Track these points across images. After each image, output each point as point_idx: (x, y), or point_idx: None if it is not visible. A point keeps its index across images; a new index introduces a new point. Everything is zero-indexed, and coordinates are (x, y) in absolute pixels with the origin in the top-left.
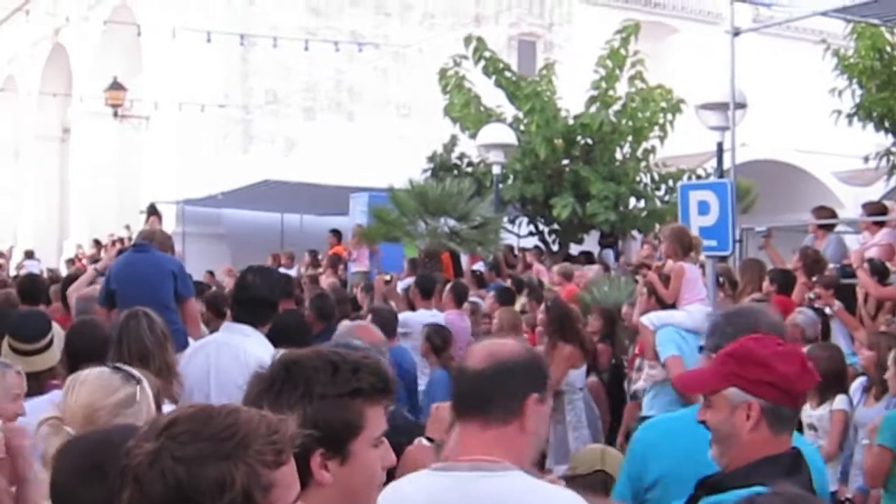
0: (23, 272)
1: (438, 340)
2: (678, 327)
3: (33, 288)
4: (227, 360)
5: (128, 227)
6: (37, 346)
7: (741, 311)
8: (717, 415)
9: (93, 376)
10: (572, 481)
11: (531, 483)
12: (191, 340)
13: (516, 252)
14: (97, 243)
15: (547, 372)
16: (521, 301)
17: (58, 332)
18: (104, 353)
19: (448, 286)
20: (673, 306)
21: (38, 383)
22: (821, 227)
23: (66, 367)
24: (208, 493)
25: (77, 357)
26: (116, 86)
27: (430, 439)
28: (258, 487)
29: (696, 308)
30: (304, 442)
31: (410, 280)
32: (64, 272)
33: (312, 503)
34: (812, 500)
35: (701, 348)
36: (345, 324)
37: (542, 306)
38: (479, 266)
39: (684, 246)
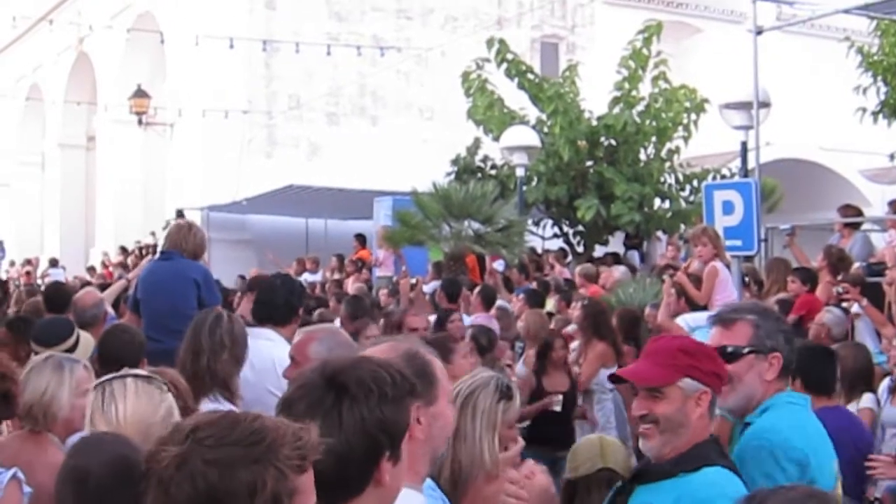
0: (47, 280)
1: (484, 341)
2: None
3: (59, 296)
4: (255, 365)
5: (153, 234)
6: (58, 349)
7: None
8: (671, 405)
9: (132, 389)
10: (574, 484)
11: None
12: None
13: (539, 253)
14: (124, 250)
15: (431, 370)
16: (550, 302)
17: (88, 339)
18: (136, 361)
19: (476, 290)
20: (704, 308)
21: None
22: (847, 225)
23: (98, 372)
24: (239, 497)
25: (109, 361)
26: (141, 93)
27: None
28: (285, 492)
29: None
30: (377, 443)
31: (436, 283)
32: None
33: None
34: (823, 496)
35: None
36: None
37: (578, 304)
38: (499, 264)
39: (720, 247)
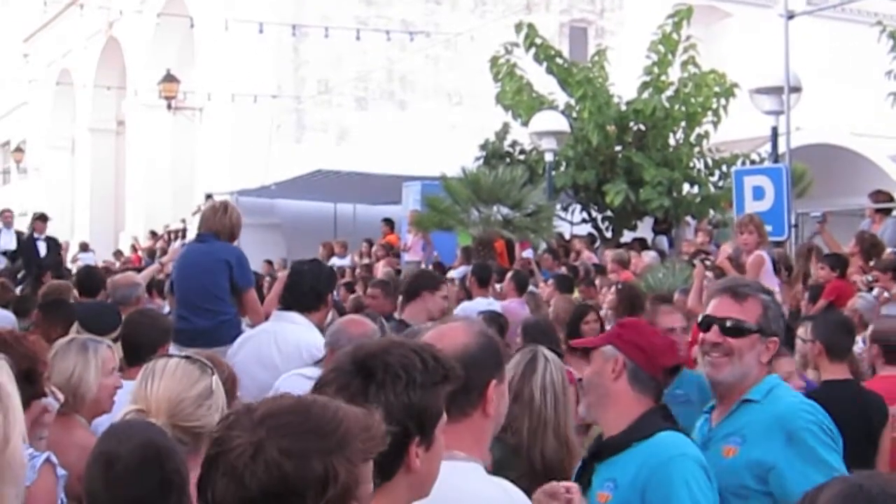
0: (78, 265)
1: (495, 326)
2: None
3: (91, 280)
4: (281, 348)
5: (183, 221)
6: (106, 338)
7: None
8: (591, 369)
9: (171, 367)
10: None
11: (474, 477)
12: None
13: (567, 238)
14: (153, 234)
15: (502, 350)
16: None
17: None
18: (158, 347)
19: (509, 274)
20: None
21: None
22: (878, 210)
23: (126, 356)
24: (312, 488)
25: (136, 346)
26: (170, 78)
27: None
28: (353, 483)
29: None
30: (406, 430)
31: (465, 268)
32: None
33: (400, 489)
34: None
35: None
36: (339, 320)
37: (611, 289)
38: (528, 252)
39: (764, 236)
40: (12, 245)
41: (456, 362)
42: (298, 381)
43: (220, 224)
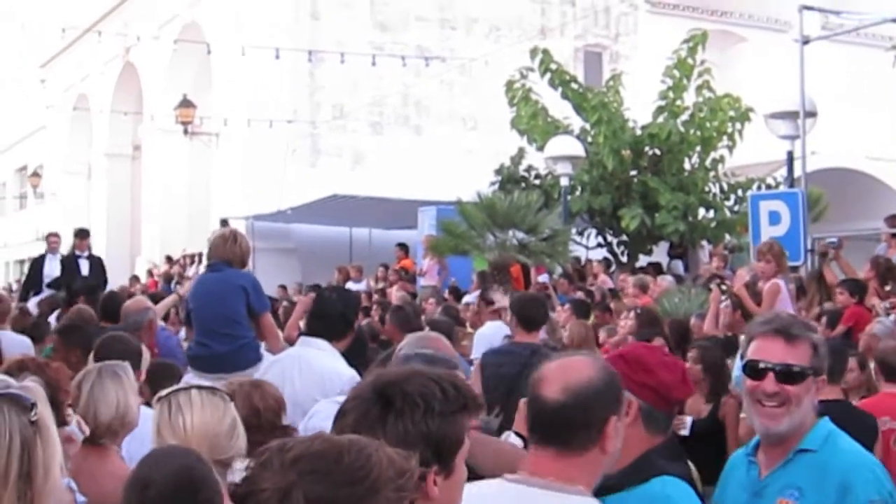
0: None
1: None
2: None
3: (113, 305)
4: (304, 373)
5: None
6: None
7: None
8: None
9: (197, 401)
10: None
11: None
12: (269, 355)
13: (583, 263)
14: (169, 260)
15: (621, 386)
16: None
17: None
18: (137, 366)
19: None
20: None
21: None
22: (894, 235)
23: None
24: None
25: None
26: (186, 103)
27: (518, 434)
28: None
29: None
30: (422, 457)
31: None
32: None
33: None
34: None
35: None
36: (415, 335)
37: (631, 314)
38: (543, 277)
39: (783, 265)
40: (57, 272)
41: (578, 396)
42: (333, 409)
43: (230, 253)
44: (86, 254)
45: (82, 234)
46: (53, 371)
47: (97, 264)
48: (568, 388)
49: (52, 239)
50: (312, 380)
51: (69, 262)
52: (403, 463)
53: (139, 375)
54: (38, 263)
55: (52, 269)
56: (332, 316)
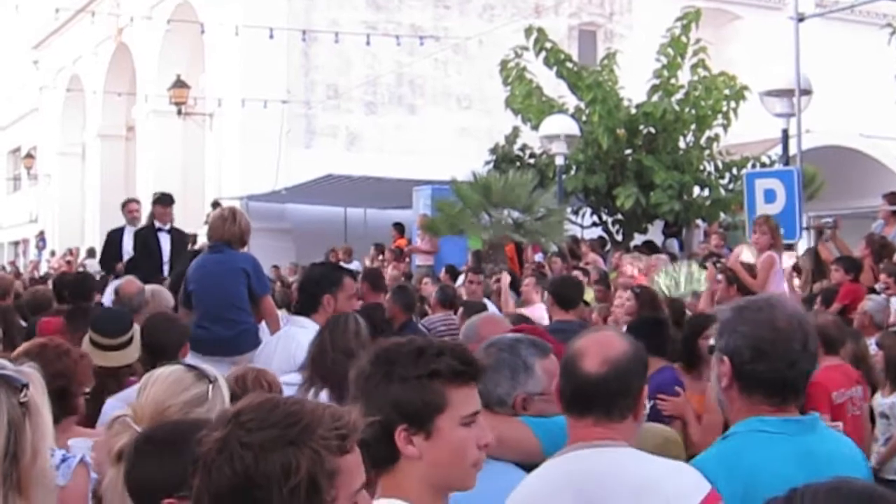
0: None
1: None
2: None
3: (85, 285)
4: (279, 352)
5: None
6: (116, 341)
7: (755, 304)
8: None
9: (165, 374)
10: None
11: (643, 456)
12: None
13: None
14: None
15: (646, 358)
16: (589, 292)
17: (136, 328)
18: (179, 347)
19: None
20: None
21: (116, 380)
22: (893, 213)
23: (145, 363)
24: (274, 479)
25: (158, 349)
26: (180, 84)
27: None
28: (323, 473)
29: None
30: (388, 419)
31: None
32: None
33: (406, 473)
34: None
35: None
36: (475, 318)
37: (629, 293)
38: (539, 256)
39: (777, 238)
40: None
41: (618, 368)
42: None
43: (230, 232)
44: (167, 226)
45: (164, 201)
46: (73, 361)
47: (180, 240)
48: (608, 361)
49: (131, 206)
50: (284, 357)
51: (146, 236)
52: (340, 411)
53: (184, 350)
54: (116, 236)
55: (130, 245)
56: (307, 291)
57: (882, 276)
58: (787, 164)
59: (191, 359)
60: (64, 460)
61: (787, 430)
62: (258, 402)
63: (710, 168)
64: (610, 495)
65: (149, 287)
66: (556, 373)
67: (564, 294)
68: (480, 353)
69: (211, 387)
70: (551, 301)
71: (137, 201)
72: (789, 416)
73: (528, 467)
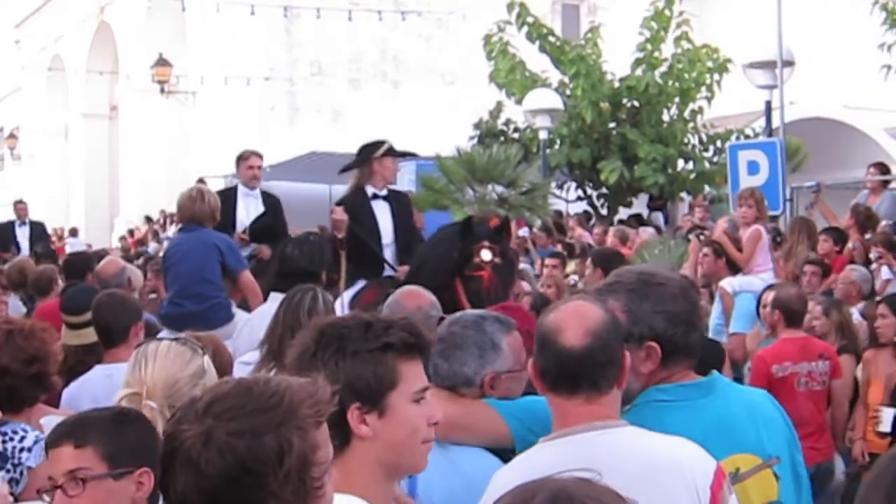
0: (67, 250)
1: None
2: (755, 296)
3: (79, 264)
4: (256, 330)
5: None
6: (82, 318)
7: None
8: None
9: (163, 349)
10: None
11: (646, 434)
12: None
13: (562, 216)
14: (148, 220)
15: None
16: (570, 265)
17: None
18: (128, 328)
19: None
20: (738, 270)
21: (96, 357)
22: (883, 183)
23: (101, 339)
24: (269, 462)
25: (109, 329)
26: (162, 62)
27: None
28: (309, 449)
29: (769, 277)
30: (340, 398)
31: None
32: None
33: (358, 456)
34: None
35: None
36: (396, 292)
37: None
38: (524, 231)
39: (763, 211)
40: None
41: (600, 337)
42: (241, 369)
43: (200, 212)
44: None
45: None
46: (40, 342)
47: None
48: (589, 331)
49: (252, 161)
50: (257, 335)
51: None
52: (311, 385)
53: (136, 329)
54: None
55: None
56: (296, 274)
57: (876, 248)
58: (770, 135)
59: (165, 334)
60: (37, 442)
61: (684, 396)
62: (228, 390)
63: (694, 141)
64: (626, 480)
65: (130, 267)
66: (521, 349)
67: (609, 266)
68: (443, 330)
69: (205, 358)
70: (598, 274)
71: (259, 155)
72: (687, 381)
73: (496, 452)
